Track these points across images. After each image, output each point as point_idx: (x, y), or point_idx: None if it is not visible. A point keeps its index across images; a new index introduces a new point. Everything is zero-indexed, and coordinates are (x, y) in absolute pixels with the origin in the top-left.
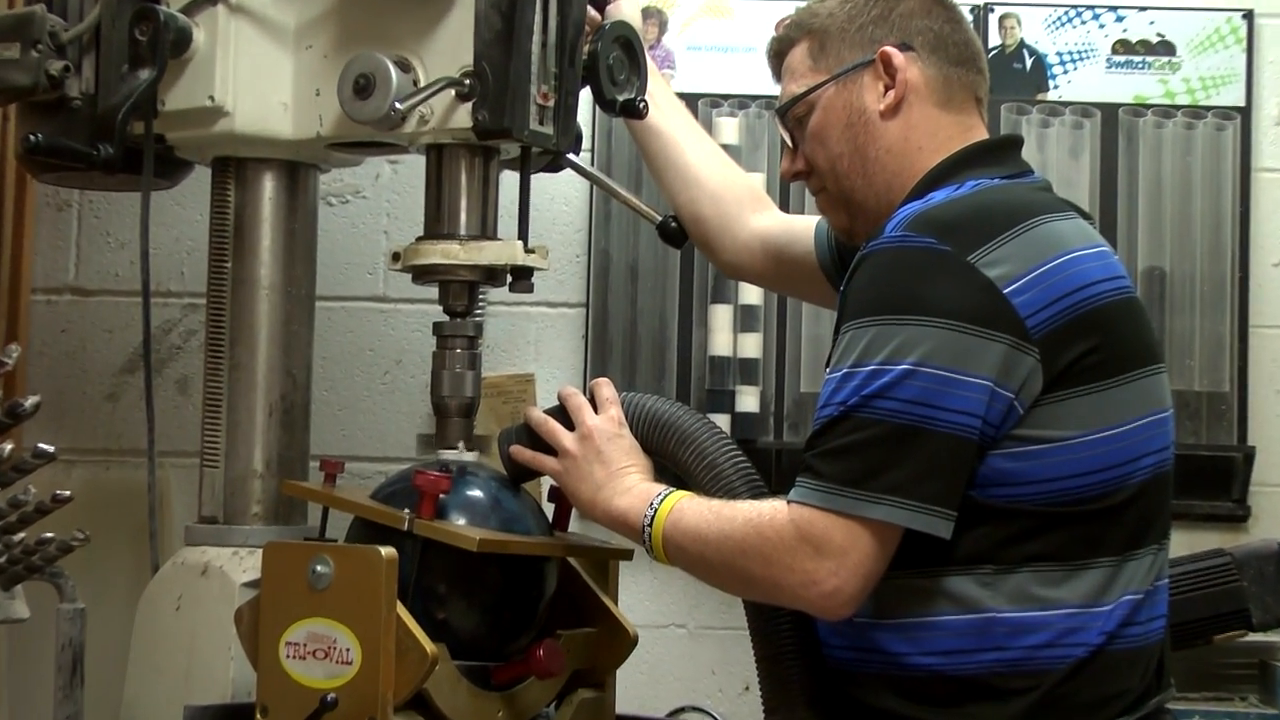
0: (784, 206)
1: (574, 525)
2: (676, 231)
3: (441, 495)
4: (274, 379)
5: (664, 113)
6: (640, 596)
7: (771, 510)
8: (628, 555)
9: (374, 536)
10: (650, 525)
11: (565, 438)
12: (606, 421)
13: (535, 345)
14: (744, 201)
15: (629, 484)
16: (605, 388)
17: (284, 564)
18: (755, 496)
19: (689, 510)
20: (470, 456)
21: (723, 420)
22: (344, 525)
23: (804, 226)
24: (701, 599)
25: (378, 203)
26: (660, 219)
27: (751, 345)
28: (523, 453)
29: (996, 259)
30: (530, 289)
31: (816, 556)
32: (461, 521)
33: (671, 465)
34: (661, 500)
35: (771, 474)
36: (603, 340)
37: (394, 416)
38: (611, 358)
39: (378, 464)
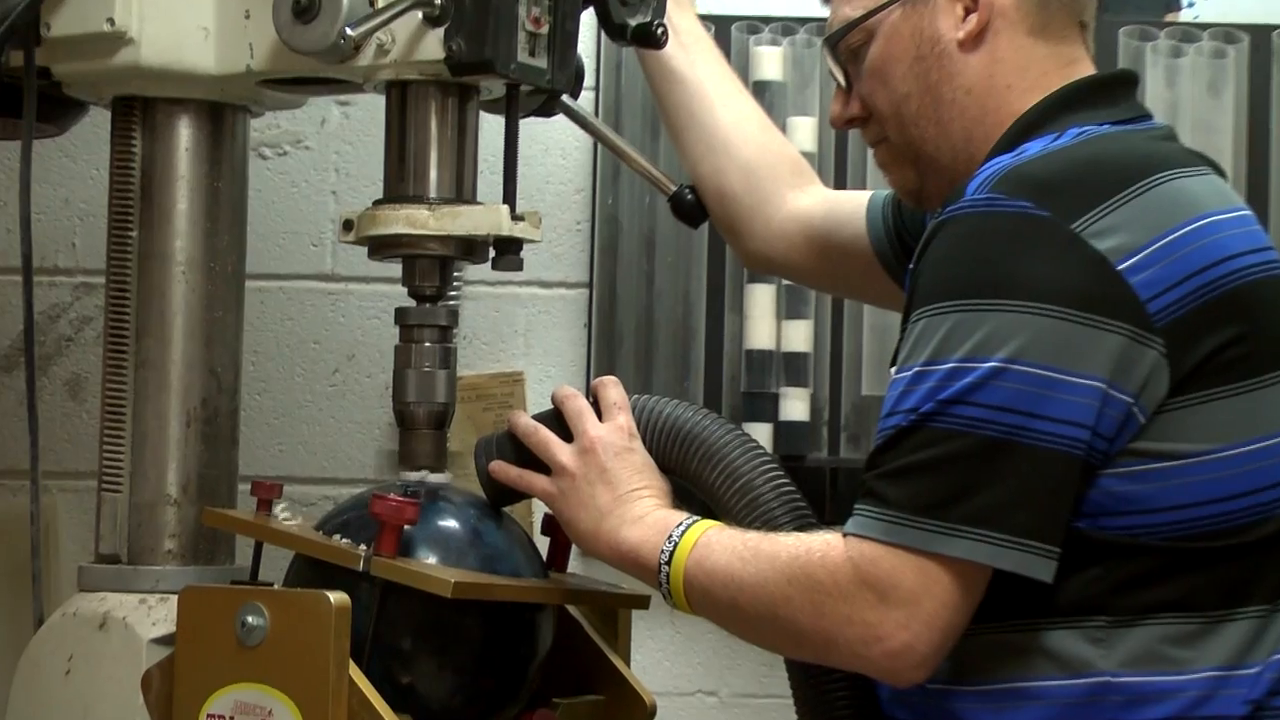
0: (839, 175)
1: (574, 564)
2: (694, 206)
3: (406, 526)
4: (193, 379)
5: (689, 53)
6: (658, 655)
7: (824, 546)
8: (643, 603)
9: (321, 579)
10: (669, 564)
11: (561, 451)
12: (613, 431)
13: (525, 336)
14: (782, 176)
15: (641, 511)
16: (612, 389)
17: (205, 614)
18: (801, 528)
19: (719, 545)
20: (442, 477)
21: (763, 431)
22: (282, 565)
23: (853, 205)
24: (736, 659)
25: (324, 156)
26: (675, 189)
27: (799, 336)
28: (507, 470)
29: (1109, 226)
30: (519, 265)
31: (881, 605)
32: (432, 560)
33: (695, 488)
34: (683, 532)
35: (824, 499)
36: (610, 329)
37: (345, 427)
38: (621, 351)
39: (325, 487)
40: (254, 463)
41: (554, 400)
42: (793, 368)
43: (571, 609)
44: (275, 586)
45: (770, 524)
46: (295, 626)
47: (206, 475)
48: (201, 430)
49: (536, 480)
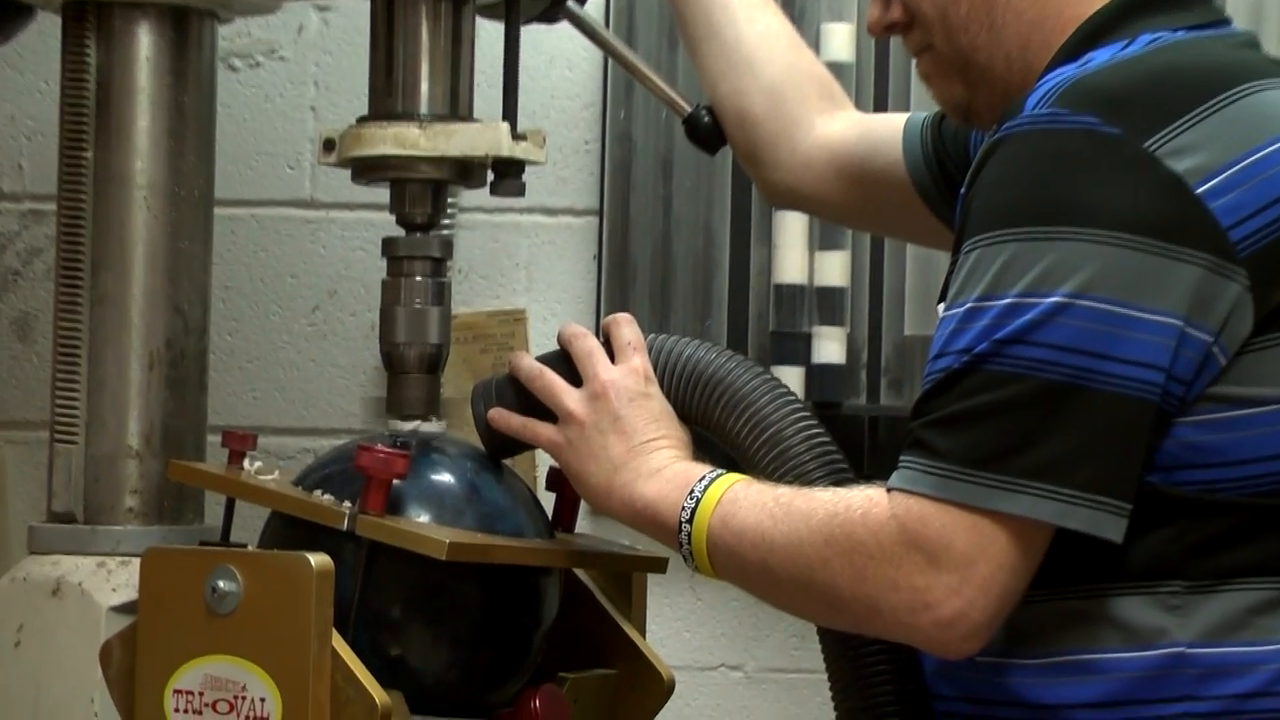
0: (878, 90)
1: (583, 523)
2: (710, 129)
3: (395, 481)
4: (156, 318)
5: None
6: (677, 625)
7: (865, 503)
8: (660, 566)
9: (300, 539)
10: (690, 522)
11: (568, 397)
12: (627, 375)
13: (527, 270)
14: (810, 100)
15: (658, 463)
16: (625, 328)
17: (171, 579)
18: (837, 484)
19: (746, 501)
20: (436, 427)
21: (793, 375)
22: (257, 525)
23: (888, 129)
24: (764, 629)
25: (302, 67)
26: (690, 110)
27: (834, 269)
28: (508, 418)
29: (1186, 145)
30: (521, 190)
31: (931, 568)
32: (424, 518)
33: (718, 438)
34: (706, 486)
35: (863, 452)
36: (623, 262)
37: (327, 371)
38: (635, 286)
39: (304, 438)
40: (225, 411)
41: (560, 340)
42: (827, 304)
43: (580, 573)
44: (249, 548)
45: (802, 479)
46: (272, 592)
47: (172, 425)
48: (166, 374)
49: (541, 429)
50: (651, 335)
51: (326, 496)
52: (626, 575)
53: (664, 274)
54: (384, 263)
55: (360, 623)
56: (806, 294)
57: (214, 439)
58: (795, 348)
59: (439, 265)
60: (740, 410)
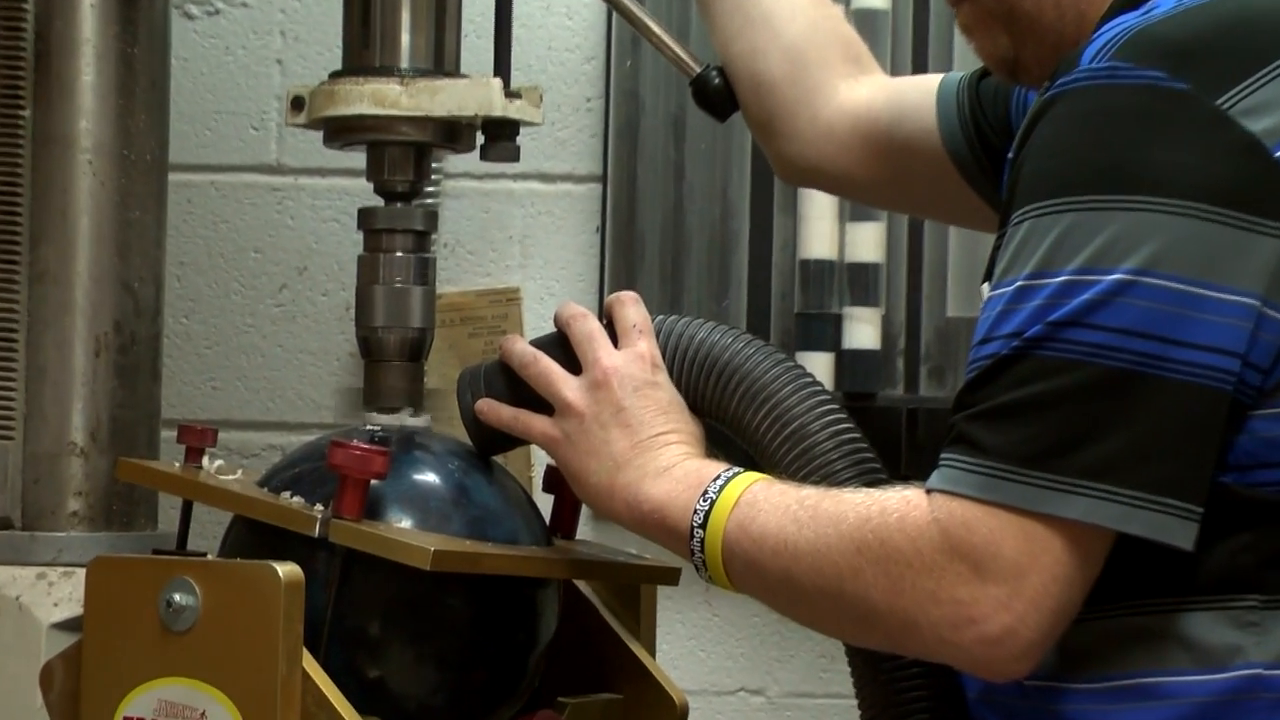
0: (917, 44)
1: (585, 528)
2: (720, 92)
3: (373, 481)
4: (103, 298)
5: None
6: (691, 644)
7: (902, 505)
8: (671, 577)
9: (266, 547)
10: (704, 527)
11: (566, 386)
12: (632, 361)
13: (522, 244)
14: (833, 63)
15: (667, 460)
16: (631, 308)
17: (121, 591)
18: (869, 485)
19: (767, 504)
20: (419, 421)
21: (821, 362)
22: (217, 531)
23: (920, 92)
24: (788, 649)
25: (267, 14)
26: (699, 71)
27: (868, 242)
28: (499, 410)
29: (1264, 102)
30: (515, 155)
31: (976, 579)
32: (406, 523)
33: (734, 432)
34: (722, 487)
35: (900, 447)
36: (629, 235)
37: (296, 358)
38: (643, 262)
39: (270, 433)
40: (180, 403)
41: (558, 322)
42: (859, 282)
43: (581, 585)
44: (208, 557)
45: (829, 479)
46: (234, 606)
47: (121, 418)
48: (114, 361)
49: (536, 422)
50: (660, 316)
51: (296, 499)
52: (634, 588)
53: (675, 248)
54: (360, 236)
55: (334, 641)
56: (836, 270)
57: (169, 434)
58: (823, 331)
59: (422, 239)
60: (760, 401)
